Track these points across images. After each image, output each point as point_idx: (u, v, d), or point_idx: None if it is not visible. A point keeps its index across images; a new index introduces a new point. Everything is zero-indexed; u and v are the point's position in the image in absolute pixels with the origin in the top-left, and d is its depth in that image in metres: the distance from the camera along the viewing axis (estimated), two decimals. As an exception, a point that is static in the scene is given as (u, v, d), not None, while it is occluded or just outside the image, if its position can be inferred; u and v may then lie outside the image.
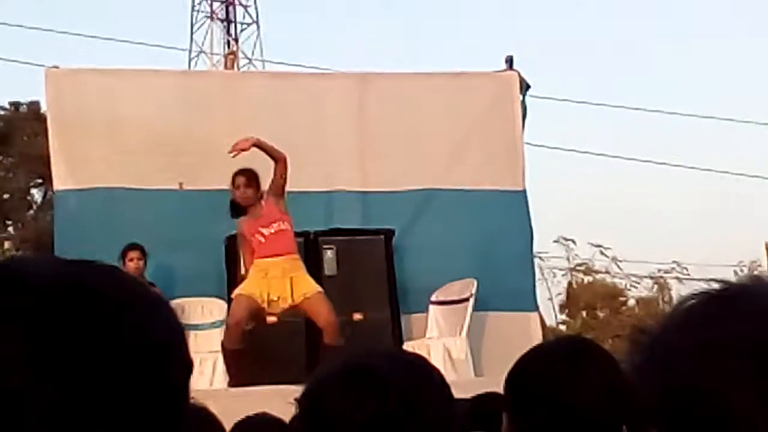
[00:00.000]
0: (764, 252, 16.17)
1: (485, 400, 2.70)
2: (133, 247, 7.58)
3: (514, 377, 1.63)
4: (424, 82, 9.26)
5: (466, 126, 8.95)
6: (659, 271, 26.45)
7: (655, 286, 27.08)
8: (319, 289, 6.97)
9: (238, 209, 7.01)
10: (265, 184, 7.03)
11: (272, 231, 6.96)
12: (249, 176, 6.99)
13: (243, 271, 7.17)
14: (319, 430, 1.28)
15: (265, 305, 6.89)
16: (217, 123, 8.45)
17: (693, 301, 0.84)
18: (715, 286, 0.84)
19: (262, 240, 6.94)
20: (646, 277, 26.55)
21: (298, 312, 7.06)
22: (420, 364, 1.37)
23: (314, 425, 1.29)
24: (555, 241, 25.60)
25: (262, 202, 7.03)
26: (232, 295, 7.02)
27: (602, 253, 26.04)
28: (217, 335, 7.66)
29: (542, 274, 23.16)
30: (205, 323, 7.66)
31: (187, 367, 0.82)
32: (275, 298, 6.88)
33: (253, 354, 7.05)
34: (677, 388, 0.81)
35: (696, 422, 0.79)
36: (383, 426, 1.25)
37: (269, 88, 9.04)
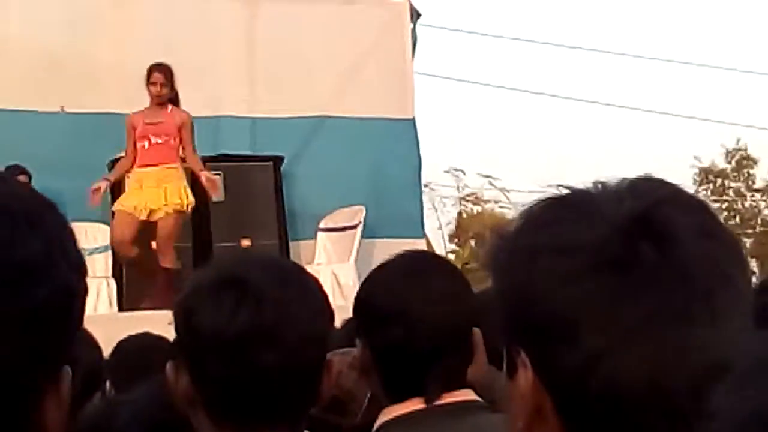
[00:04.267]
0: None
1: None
2: (19, 169, 7.34)
3: (360, 299, 1.61)
4: (315, 8, 9.14)
5: (357, 54, 8.91)
6: (546, 200, 26.89)
7: (542, 216, 27.55)
8: (183, 208, 6.83)
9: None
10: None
11: (159, 141, 6.84)
12: (167, 74, 6.82)
13: (123, 166, 6.98)
14: (192, 345, 1.24)
15: (144, 217, 6.77)
16: (102, 43, 8.21)
17: (537, 205, 0.86)
18: (564, 191, 0.86)
19: (146, 146, 6.83)
20: (533, 207, 26.98)
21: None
22: (296, 273, 1.32)
23: (187, 340, 1.25)
24: (445, 172, 25.86)
25: (168, 108, 6.87)
26: (113, 208, 6.89)
27: (491, 183, 26.46)
28: (101, 260, 7.55)
29: (433, 204, 23.42)
30: (88, 248, 7.51)
31: (63, 288, 0.79)
32: (154, 208, 6.77)
33: (144, 280, 6.99)
34: (512, 290, 0.84)
35: (528, 324, 0.83)
36: (258, 337, 1.21)
37: (157, 8, 8.79)
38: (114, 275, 7.64)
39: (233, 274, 1.25)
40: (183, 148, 6.92)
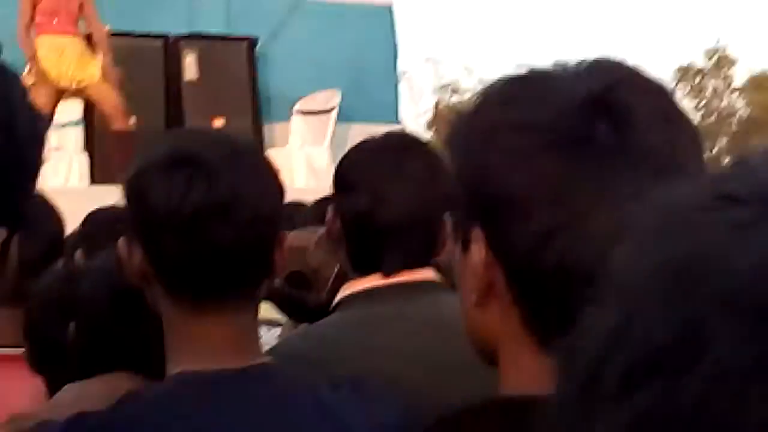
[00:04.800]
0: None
1: (331, 201, 2.75)
2: None
3: (337, 169, 1.65)
4: None
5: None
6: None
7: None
8: (105, 76, 6.78)
9: None
10: None
11: (66, 16, 6.71)
12: None
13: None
14: (146, 223, 1.25)
15: (57, 83, 6.68)
16: None
17: (496, 84, 0.86)
18: (522, 71, 0.86)
19: (55, 22, 6.67)
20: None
21: (81, 93, 6.91)
22: (248, 151, 1.32)
23: (141, 218, 1.26)
24: (426, 60, 25.64)
25: None
26: (28, 80, 6.57)
27: (469, 73, 26.30)
28: (74, 134, 7.50)
29: (411, 92, 23.31)
30: (60, 122, 7.45)
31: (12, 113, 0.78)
32: (69, 74, 6.69)
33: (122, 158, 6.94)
34: (469, 167, 0.85)
35: (484, 202, 0.84)
36: (211, 214, 1.22)
37: None
38: (86, 149, 7.59)
39: (184, 152, 1.26)
40: (89, 22, 6.81)
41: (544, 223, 0.80)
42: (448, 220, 1.61)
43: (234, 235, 1.24)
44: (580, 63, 0.85)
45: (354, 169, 1.61)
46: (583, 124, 0.80)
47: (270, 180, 1.31)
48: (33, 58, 6.60)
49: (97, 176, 7.35)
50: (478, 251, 0.84)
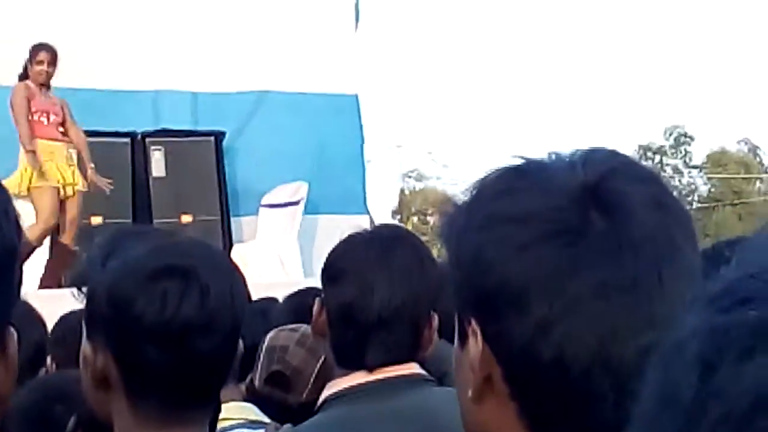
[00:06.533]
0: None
1: (303, 294, 2.73)
2: None
3: (326, 260, 1.65)
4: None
5: (299, 26, 8.84)
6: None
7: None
8: (84, 188, 6.85)
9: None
10: None
11: (55, 119, 6.81)
12: (54, 55, 6.81)
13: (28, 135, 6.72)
14: (128, 332, 1.23)
15: (68, 194, 6.75)
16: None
17: (491, 174, 0.86)
18: (517, 161, 0.86)
19: (46, 122, 6.77)
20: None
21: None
22: (224, 258, 1.34)
23: (121, 325, 1.23)
24: (388, 148, 25.92)
25: (51, 93, 6.88)
26: (32, 184, 6.63)
27: (433, 160, 26.59)
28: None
29: (375, 180, 23.48)
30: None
31: (7, 247, 0.77)
32: (66, 183, 6.74)
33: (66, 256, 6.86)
34: (465, 258, 0.84)
35: (480, 292, 0.82)
36: (200, 327, 1.23)
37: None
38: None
39: (174, 263, 1.26)
40: (69, 129, 6.89)
41: (541, 315, 0.79)
42: (434, 314, 1.61)
43: (215, 346, 1.25)
44: (573, 153, 0.85)
45: (342, 259, 1.60)
46: (578, 214, 0.79)
47: (243, 288, 1.32)
48: (34, 157, 6.58)
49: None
50: (475, 345, 0.83)
